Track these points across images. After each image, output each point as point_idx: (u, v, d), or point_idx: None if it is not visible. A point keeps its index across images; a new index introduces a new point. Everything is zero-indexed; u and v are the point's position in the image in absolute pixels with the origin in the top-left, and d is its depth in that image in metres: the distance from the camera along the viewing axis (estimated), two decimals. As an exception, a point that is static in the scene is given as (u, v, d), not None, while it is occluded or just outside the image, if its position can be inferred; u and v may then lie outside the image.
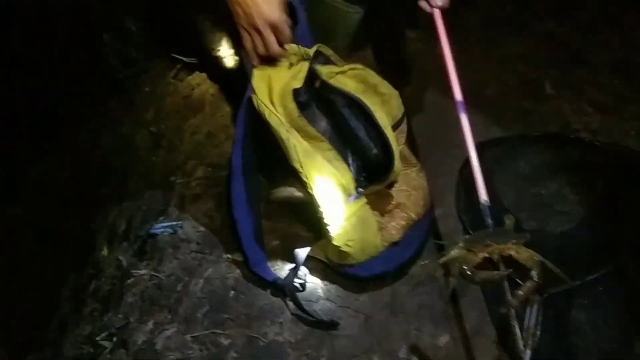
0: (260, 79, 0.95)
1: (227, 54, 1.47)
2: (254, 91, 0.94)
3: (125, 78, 1.81)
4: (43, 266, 1.58)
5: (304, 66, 0.96)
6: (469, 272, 0.79)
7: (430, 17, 1.05)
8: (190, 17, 1.52)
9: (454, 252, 0.84)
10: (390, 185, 1.00)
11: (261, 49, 0.95)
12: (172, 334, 0.96)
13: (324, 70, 0.95)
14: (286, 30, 0.94)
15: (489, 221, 0.87)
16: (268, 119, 0.93)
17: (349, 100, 0.94)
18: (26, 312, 1.48)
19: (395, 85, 1.05)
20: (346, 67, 0.99)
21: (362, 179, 0.99)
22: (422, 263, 1.03)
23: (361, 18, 1.12)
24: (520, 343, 0.88)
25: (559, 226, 1.06)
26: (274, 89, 0.95)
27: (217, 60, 1.46)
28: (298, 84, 0.92)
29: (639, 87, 1.29)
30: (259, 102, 0.93)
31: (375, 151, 0.93)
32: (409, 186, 1.03)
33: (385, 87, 1.01)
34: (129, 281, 1.07)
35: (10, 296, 1.52)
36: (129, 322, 1.01)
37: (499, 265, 0.82)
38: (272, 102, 0.94)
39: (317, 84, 0.96)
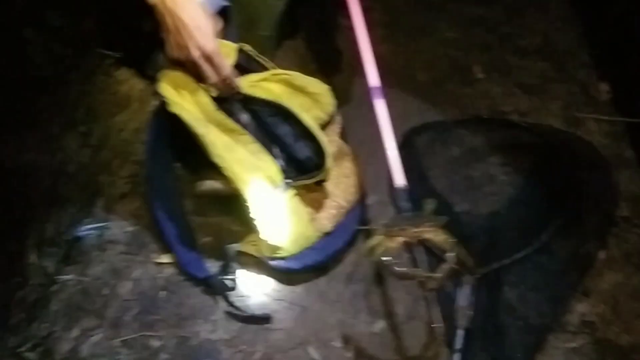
0: (169, 80, 0.92)
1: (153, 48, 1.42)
2: (162, 95, 0.91)
3: (52, 76, 1.73)
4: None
5: None
6: (391, 265, 0.80)
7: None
8: (115, 10, 1.46)
9: (374, 240, 0.83)
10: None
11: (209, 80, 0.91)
12: (99, 339, 0.92)
13: (244, 82, 0.94)
14: (222, 62, 0.89)
15: (406, 205, 0.86)
16: (183, 117, 0.90)
17: (273, 108, 0.92)
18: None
19: (327, 75, 1.04)
20: (268, 73, 0.97)
21: (290, 170, 0.98)
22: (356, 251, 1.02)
23: (287, 6, 1.10)
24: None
25: (489, 207, 1.08)
26: (185, 87, 0.92)
27: (145, 54, 1.41)
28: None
29: (563, 68, 1.33)
30: (171, 102, 0.90)
31: (307, 154, 0.92)
32: (339, 174, 1.03)
33: (314, 86, 1.00)
34: (54, 288, 1.02)
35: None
36: (54, 330, 0.96)
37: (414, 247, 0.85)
38: (184, 100, 0.91)
39: (239, 97, 0.94)
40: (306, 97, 0.99)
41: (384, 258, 0.80)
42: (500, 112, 1.25)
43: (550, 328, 0.94)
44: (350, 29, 1.29)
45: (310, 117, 0.93)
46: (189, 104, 0.91)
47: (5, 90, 1.74)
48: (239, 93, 0.94)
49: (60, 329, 0.95)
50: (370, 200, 1.11)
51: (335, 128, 1.08)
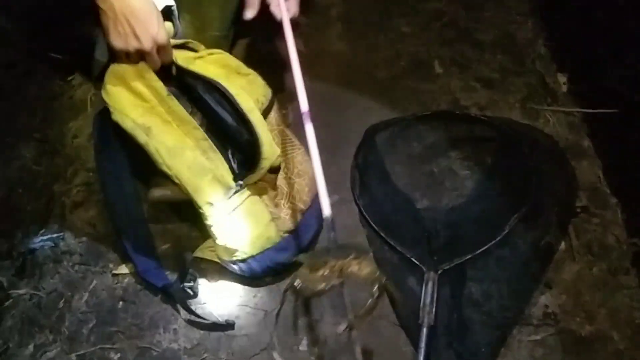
0: (114, 76, 0.88)
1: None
2: (106, 102, 0.88)
3: (7, 82, 1.67)
4: None
5: None
6: (299, 286, 0.75)
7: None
8: (65, 14, 1.41)
9: (297, 275, 0.77)
10: (276, 172, 0.96)
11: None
12: (55, 354, 0.90)
13: (179, 55, 0.90)
14: (170, 50, 0.87)
15: (331, 236, 0.80)
16: (122, 125, 0.87)
17: (209, 85, 0.89)
18: None
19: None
20: (204, 52, 0.94)
21: (238, 167, 0.95)
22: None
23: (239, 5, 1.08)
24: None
25: (451, 202, 1.08)
26: (132, 77, 0.88)
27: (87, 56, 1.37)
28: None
29: (521, 60, 1.33)
30: (113, 109, 0.87)
31: (245, 137, 0.89)
32: (292, 173, 1.01)
33: (247, 69, 0.97)
34: (8, 303, 0.98)
35: None
36: (9, 347, 0.92)
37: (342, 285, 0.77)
38: (135, 91, 0.88)
39: (174, 71, 0.91)
40: (242, 78, 0.95)
41: (307, 292, 0.75)
42: (461, 106, 1.25)
43: (514, 321, 0.95)
44: (310, 27, 1.28)
45: (248, 99, 0.90)
46: (141, 91, 0.87)
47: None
48: (174, 66, 0.91)
49: (15, 346, 0.92)
50: (332, 199, 1.09)
51: (277, 118, 1.05)
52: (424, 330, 0.91)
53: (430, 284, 0.96)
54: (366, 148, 1.14)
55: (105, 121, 0.90)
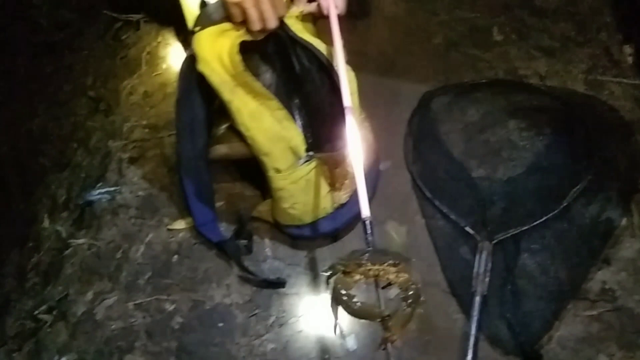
0: (209, 33, 0.87)
1: (163, 9, 1.38)
2: (194, 50, 0.86)
3: (60, 41, 1.70)
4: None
5: None
6: (345, 299, 0.69)
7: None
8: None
9: (332, 274, 0.74)
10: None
11: (256, 25, 0.85)
12: (113, 302, 0.92)
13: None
14: (284, 4, 0.85)
15: (369, 238, 0.76)
16: (209, 78, 0.86)
17: (311, 54, 0.88)
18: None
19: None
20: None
21: (309, 134, 0.96)
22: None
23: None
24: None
25: (508, 172, 1.05)
26: (225, 42, 0.87)
27: (154, 16, 1.38)
28: (254, 37, 0.86)
29: (585, 30, 1.27)
30: (201, 59, 0.85)
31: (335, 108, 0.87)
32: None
33: None
34: (68, 252, 1.02)
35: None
36: (69, 293, 0.96)
37: (377, 286, 0.73)
38: (220, 57, 0.86)
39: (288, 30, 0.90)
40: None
41: (342, 292, 0.69)
42: (519, 75, 1.21)
43: (569, 295, 0.93)
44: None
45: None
46: (222, 63, 0.86)
47: (13, 56, 1.73)
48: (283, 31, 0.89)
49: (75, 293, 0.95)
50: (384, 166, 1.09)
51: None
52: (477, 298, 0.90)
53: (484, 254, 0.94)
54: (421, 114, 1.12)
55: (190, 71, 0.89)
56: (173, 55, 1.28)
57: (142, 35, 1.36)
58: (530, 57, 1.24)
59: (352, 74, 0.89)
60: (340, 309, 0.69)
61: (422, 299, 0.69)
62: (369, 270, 0.70)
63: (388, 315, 0.67)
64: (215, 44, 0.86)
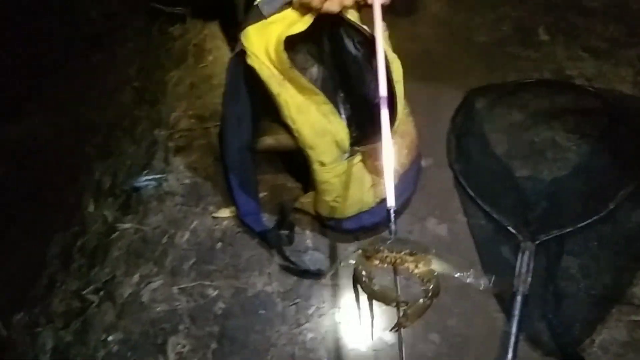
0: (256, 28, 0.89)
1: (210, 3, 1.41)
2: (243, 45, 0.88)
3: (106, 32, 1.75)
4: (29, 226, 1.56)
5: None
6: (364, 280, 0.71)
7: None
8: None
9: (352, 258, 0.75)
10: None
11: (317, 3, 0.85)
12: (159, 286, 0.95)
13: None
14: None
15: (393, 227, 0.76)
16: (259, 72, 0.87)
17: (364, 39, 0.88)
18: (14, 272, 1.47)
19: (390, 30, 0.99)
20: None
21: (353, 128, 0.97)
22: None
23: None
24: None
25: (552, 173, 1.04)
26: (271, 36, 0.88)
27: (200, 10, 1.40)
28: (297, 29, 0.87)
29: (634, 32, 1.25)
30: (250, 53, 0.87)
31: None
32: (393, 132, 1.00)
33: None
34: (114, 235, 1.05)
35: (-1, 257, 1.50)
36: (115, 275, 0.99)
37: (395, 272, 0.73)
38: (267, 52, 0.88)
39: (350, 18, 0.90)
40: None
41: (362, 273, 0.71)
42: (566, 76, 1.19)
43: (613, 300, 0.91)
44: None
45: (398, 66, 0.89)
46: (271, 56, 0.87)
47: (60, 46, 1.78)
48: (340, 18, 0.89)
49: (121, 275, 0.98)
50: (426, 162, 1.09)
51: None
52: (518, 298, 0.90)
53: (526, 254, 0.93)
54: (464, 112, 1.12)
55: (238, 65, 0.91)
56: (219, 48, 1.30)
57: (189, 28, 1.39)
58: (578, 58, 1.22)
59: (398, 62, 0.89)
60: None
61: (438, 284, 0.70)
62: (386, 256, 0.71)
63: (405, 302, 0.69)
64: (262, 40, 0.88)
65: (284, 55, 0.85)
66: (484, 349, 0.89)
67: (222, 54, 1.28)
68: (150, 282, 0.95)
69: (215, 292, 0.94)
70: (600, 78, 1.18)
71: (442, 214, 1.03)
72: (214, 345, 0.89)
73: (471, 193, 1.02)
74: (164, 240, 0.99)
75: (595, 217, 0.95)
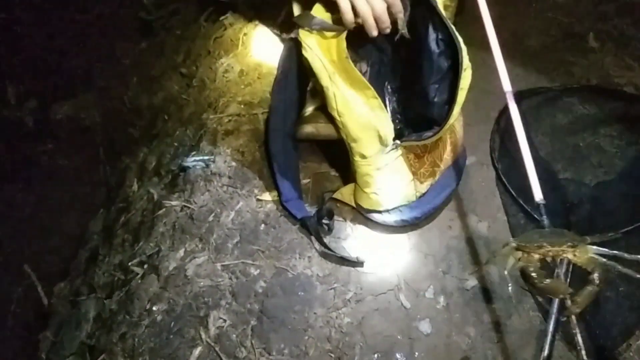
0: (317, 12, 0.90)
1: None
2: (299, 36, 0.89)
3: (155, 20, 1.80)
4: (73, 202, 1.62)
5: None
6: (533, 274, 0.74)
7: None
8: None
9: (505, 251, 0.80)
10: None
11: (373, 31, 0.85)
12: (203, 261, 0.98)
13: None
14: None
15: (545, 221, 0.82)
16: (311, 63, 0.89)
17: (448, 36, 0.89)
18: (57, 245, 1.53)
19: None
20: None
21: (397, 120, 0.98)
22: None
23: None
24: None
25: (596, 178, 1.04)
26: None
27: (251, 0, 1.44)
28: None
29: (687, 44, 1.24)
30: (305, 45, 0.89)
31: (444, 97, 0.89)
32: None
33: None
34: (160, 212, 1.08)
35: (41, 231, 1.57)
36: (160, 249, 1.02)
37: (557, 267, 0.79)
38: (321, 44, 0.89)
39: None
40: None
41: (530, 269, 0.75)
42: (614, 84, 1.19)
43: (652, 306, 0.91)
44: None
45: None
46: (326, 48, 0.89)
47: (111, 29, 1.84)
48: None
49: (167, 249, 1.01)
50: (469, 160, 1.10)
51: None
52: (557, 300, 0.90)
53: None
54: (508, 113, 1.12)
55: (291, 54, 0.94)
56: (268, 38, 1.33)
57: (240, 17, 1.42)
58: (627, 66, 1.22)
59: (470, 71, 0.89)
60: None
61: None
62: (549, 251, 0.76)
63: (574, 293, 0.74)
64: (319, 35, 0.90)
65: (343, 45, 0.86)
66: (518, 347, 0.90)
67: (271, 43, 1.31)
68: (195, 258, 0.98)
69: (257, 271, 0.96)
70: (649, 87, 1.18)
71: (482, 211, 1.04)
72: (253, 322, 0.91)
73: (513, 192, 1.02)
74: (210, 218, 1.02)
75: (638, 224, 0.95)
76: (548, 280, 0.74)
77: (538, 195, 0.82)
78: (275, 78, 1.00)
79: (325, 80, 0.89)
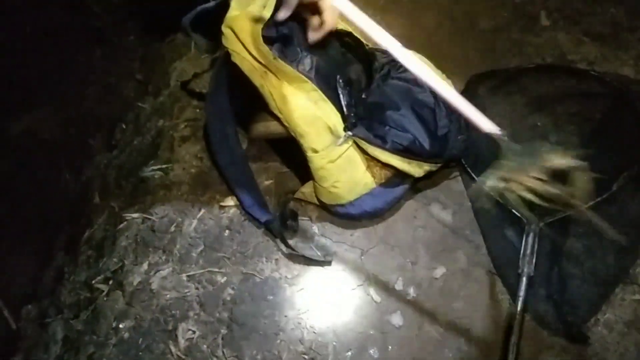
0: (229, 26, 0.90)
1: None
2: (224, 45, 0.90)
3: (108, 26, 1.76)
4: (35, 219, 1.57)
5: None
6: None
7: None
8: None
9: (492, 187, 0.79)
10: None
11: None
12: (168, 274, 0.96)
13: None
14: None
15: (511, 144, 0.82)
16: (241, 67, 0.89)
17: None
18: (22, 265, 1.48)
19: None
20: None
21: (352, 114, 0.97)
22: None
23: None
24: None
25: (555, 157, 1.05)
26: (247, 36, 0.89)
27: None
28: (267, 13, 0.87)
29: (635, 16, 1.25)
30: (232, 51, 0.89)
31: (445, 131, 0.93)
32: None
33: None
34: (122, 225, 1.06)
35: (5, 250, 1.52)
36: (124, 264, 1.00)
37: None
38: (246, 48, 0.89)
39: None
40: None
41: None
42: (568, 61, 1.20)
43: (617, 280, 0.92)
44: None
45: None
46: (252, 52, 0.89)
47: (64, 39, 1.79)
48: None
49: (130, 264, 0.99)
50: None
51: None
52: (524, 279, 0.91)
53: (531, 235, 0.94)
54: (467, 98, 1.12)
55: (221, 70, 0.93)
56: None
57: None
58: (579, 42, 1.23)
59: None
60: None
61: None
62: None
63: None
64: (241, 36, 0.89)
65: (265, 49, 0.86)
66: (490, 330, 0.90)
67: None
68: (159, 270, 0.96)
69: (224, 279, 0.95)
70: (602, 62, 1.19)
71: (446, 199, 1.04)
72: (223, 331, 0.90)
73: (475, 177, 1.02)
74: (172, 229, 1.00)
75: (599, 199, 0.96)
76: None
77: (490, 127, 0.81)
78: (206, 94, 0.98)
79: (257, 80, 0.90)
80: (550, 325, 0.89)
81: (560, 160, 0.77)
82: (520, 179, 0.77)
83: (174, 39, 1.43)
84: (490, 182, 0.78)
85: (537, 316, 0.90)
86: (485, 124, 0.80)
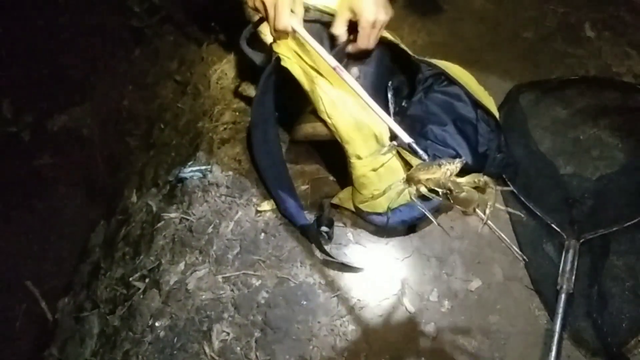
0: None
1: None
2: (274, 50, 0.91)
3: (148, 27, 1.79)
4: (73, 215, 1.61)
5: None
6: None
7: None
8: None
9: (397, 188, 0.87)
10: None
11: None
12: (204, 274, 0.97)
13: None
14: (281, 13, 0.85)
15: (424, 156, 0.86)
16: (291, 71, 0.90)
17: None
18: (58, 259, 1.53)
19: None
20: None
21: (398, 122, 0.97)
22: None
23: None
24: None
25: (598, 171, 1.03)
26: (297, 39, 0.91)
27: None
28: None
29: (685, 29, 1.22)
30: (282, 56, 0.90)
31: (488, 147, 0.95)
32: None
33: None
34: (160, 225, 1.07)
35: (42, 244, 1.56)
36: (161, 263, 1.01)
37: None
38: (299, 53, 0.90)
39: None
40: None
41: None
42: (612, 73, 1.17)
43: (657, 300, 0.90)
44: None
45: None
46: (301, 57, 0.90)
47: (104, 39, 1.83)
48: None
49: (167, 263, 1.00)
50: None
51: None
52: (562, 296, 0.89)
53: (571, 252, 0.93)
54: (508, 109, 1.11)
55: (270, 75, 0.94)
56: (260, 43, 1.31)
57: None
58: (625, 54, 1.20)
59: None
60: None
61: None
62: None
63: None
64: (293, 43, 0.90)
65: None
66: (526, 347, 0.89)
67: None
68: (195, 271, 0.97)
69: (259, 282, 0.95)
70: (648, 76, 1.16)
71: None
72: (257, 334, 0.91)
73: (514, 190, 1.01)
74: (209, 230, 1.01)
75: (641, 218, 0.93)
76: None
77: (405, 138, 0.86)
78: (254, 96, 0.99)
79: (308, 84, 0.90)
80: (588, 345, 0.87)
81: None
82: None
83: (214, 41, 1.44)
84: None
85: (575, 335, 0.89)
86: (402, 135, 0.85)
